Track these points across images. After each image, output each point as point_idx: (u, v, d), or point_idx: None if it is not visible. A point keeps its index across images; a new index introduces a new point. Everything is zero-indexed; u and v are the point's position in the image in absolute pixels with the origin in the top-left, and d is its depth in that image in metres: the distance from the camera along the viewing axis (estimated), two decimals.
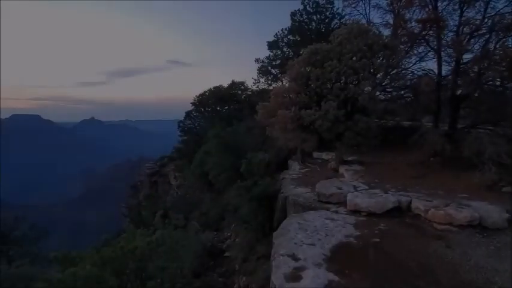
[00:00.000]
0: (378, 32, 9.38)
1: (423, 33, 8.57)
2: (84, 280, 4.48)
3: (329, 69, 7.00)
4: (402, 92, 9.00)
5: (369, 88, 7.48)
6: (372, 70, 7.75)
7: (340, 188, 5.75)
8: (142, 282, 5.47)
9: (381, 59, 7.83)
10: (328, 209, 5.29)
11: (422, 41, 8.78)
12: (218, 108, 22.15)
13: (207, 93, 22.41)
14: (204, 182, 17.30)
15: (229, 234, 11.88)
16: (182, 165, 23.49)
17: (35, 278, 7.00)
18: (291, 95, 7.33)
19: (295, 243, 3.96)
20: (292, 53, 15.14)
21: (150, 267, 5.69)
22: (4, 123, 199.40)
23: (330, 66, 7.01)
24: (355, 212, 5.03)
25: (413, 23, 8.89)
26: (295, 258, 3.59)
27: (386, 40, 8.04)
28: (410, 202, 5.03)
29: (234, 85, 22.20)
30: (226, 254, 10.50)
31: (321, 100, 6.96)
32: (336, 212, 5.16)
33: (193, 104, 22.78)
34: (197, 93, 22.91)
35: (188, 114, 23.16)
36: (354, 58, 7.30)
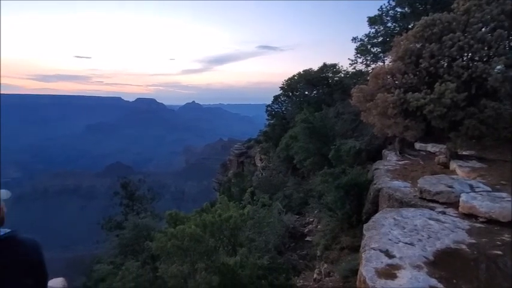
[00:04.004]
0: None
1: None
2: (190, 237, 5.43)
3: (449, 44, 5.78)
4: None
5: (503, 66, 5.91)
6: (509, 43, 6.08)
7: (450, 186, 4.88)
8: (233, 248, 6.19)
9: None
10: (432, 209, 4.59)
11: None
12: (306, 92, 21.75)
13: (296, 77, 22.25)
14: (288, 166, 17.67)
15: (311, 219, 11.90)
16: (268, 148, 24.48)
17: (153, 230, 8.82)
18: (394, 76, 6.46)
19: (390, 240, 3.61)
20: (398, 28, 13.23)
21: (240, 237, 6.35)
22: (130, 105, 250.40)
23: (450, 39, 5.78)
24: (470, 216, 4.21)
25: None
26: (388, 254, 3.29)
27: None
28: None
29: (325, 68, 21.25)
30: (308, 238, 10.59)
31: (434, 81, 5.88)
32: (443, 213, 4.44)
33: (281, 88, 23.04)
34: (286, 78, 23.04)
35: (276, 98, 23.61)
36: (484, 29, 5.84)
